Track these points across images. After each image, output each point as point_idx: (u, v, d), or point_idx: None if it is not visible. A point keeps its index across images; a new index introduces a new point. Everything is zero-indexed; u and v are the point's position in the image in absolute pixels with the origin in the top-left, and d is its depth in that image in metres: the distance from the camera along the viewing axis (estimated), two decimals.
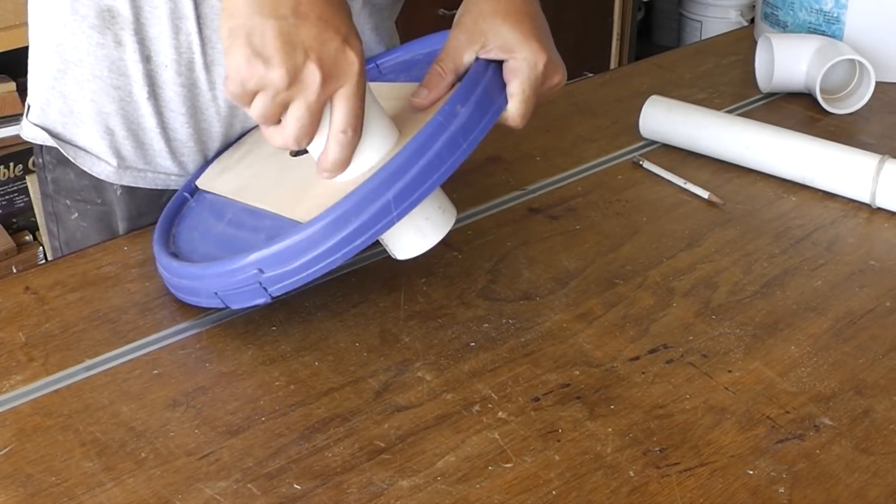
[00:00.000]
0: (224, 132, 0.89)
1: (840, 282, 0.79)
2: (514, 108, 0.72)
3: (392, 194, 0.64)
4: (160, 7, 0.82)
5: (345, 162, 0.67)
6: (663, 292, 0.78)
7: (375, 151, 0.69)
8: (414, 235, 0.72)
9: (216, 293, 0.70)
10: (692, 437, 0.64)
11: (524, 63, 0.71)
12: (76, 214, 0.93)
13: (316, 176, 0.69)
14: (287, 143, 0.65)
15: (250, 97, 0.63)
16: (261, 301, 0.68)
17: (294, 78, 0.62)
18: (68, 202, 0.93)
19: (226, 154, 0.89)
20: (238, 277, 0.68)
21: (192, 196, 0.85)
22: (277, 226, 0.71)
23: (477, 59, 0.72)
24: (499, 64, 0.72)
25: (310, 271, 0.66)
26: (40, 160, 0.94)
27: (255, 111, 0.64)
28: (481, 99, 0.69)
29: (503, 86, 0.72)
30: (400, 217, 0.65)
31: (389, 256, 0.73)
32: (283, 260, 0.66)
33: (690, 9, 3.01)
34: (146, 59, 0.84)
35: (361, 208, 0.64)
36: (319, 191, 0.70)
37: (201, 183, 0.86)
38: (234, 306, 0.70)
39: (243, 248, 0.69)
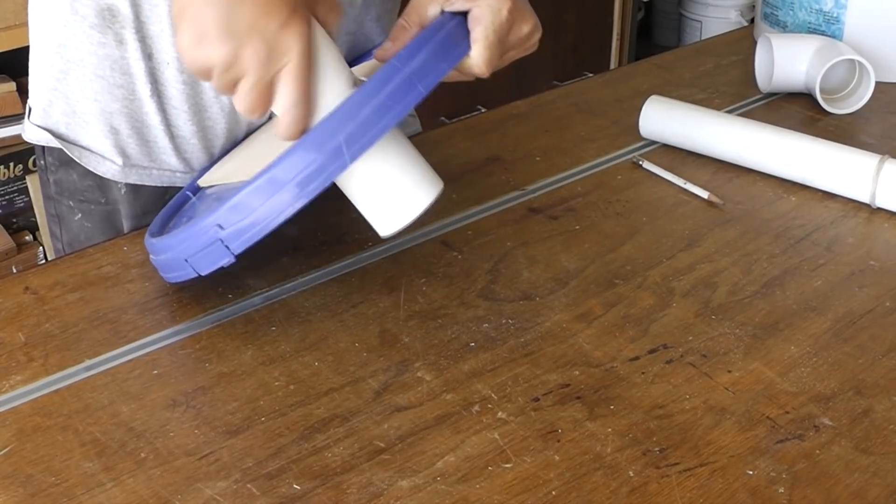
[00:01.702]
0: (229, 128, 0.89)
1: (840, 282, 0.79)
2: (477, 54, 0.71)
3: (343, 136, 0.64)
4: (160, 5, 0.82)
5: (298, 132, 0.67)
6: (663, 292, 0.78)
7: (335, 99, 0.68)
8: (393, 205, 0.70)
9: (186, 259, 0.70)
10: (692, 437, 0.64)
11: (487, 9, 0.71)
12: (80, 215, 0.93)
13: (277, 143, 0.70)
14: (244, 114, 0.67)
15: (203, 74, 0.65)
16: (225, 261, 0.68)
17: (234, 59, 0.63)
18: (71, 203, 0.93)
19: (229, 154, 0.90)
20: (201, 239, 0.68)
21: (194, 195, 0.85)
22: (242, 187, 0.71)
23: (442, 12, 0.72)
24: (464, 16, 0.72)
25: (266, 221, 0.65)
26: (42, 162, 0.94)
27: (213, 86, 0.66)
28: (441, 45, 0.69)
29: (467, 34, 0.72)
30: (353, 159, 0.64)
31: (389, 257, 0.73)
32: (239, 213, 0.66)
33: (690, 9, 3.01)
34: (148, 56, 0.84)
35: (312, 152, 0.64)
36: (279, 147, 0.70)
37: (203, 182, 0.86)
38: (203, 272, 0.70)
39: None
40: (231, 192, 0.70)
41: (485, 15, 0.71)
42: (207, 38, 0.63)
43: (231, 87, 0.66)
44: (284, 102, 0.66)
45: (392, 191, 0.70)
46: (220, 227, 0.67)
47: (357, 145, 0.64)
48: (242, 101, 0.66)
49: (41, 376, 0.70)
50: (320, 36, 0.67)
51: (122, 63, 0.84)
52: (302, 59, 0.65)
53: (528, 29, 0.74)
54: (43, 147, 0.92)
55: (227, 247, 0.67)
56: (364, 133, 0.64)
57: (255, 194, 0.65)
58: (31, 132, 0.92)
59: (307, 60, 0.65)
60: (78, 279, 0.80)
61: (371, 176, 0.69)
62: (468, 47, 0.71)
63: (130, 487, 0.61)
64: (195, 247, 0.69)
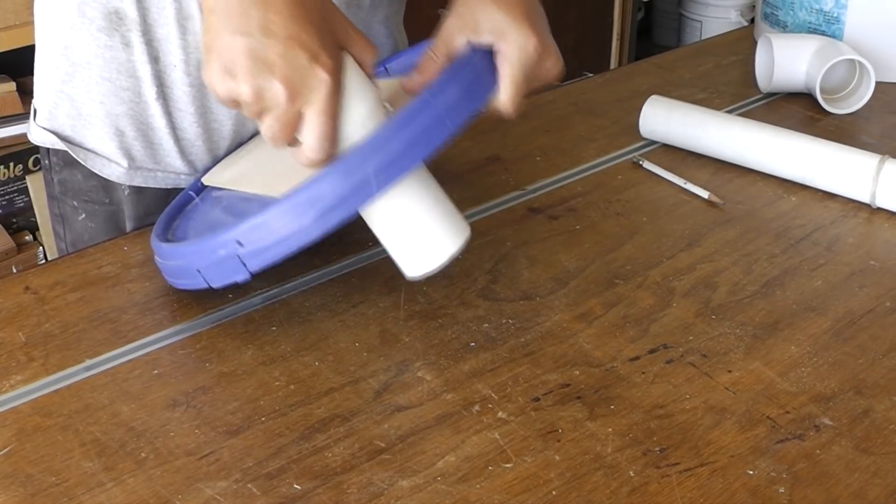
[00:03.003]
0: (235, 130, 0.89)
1: (840, 282, 0.79)
2: (504, 93, 0.72)
3: (372, 167, 0.64)
4: (167, 8, 0.82)
5: (321, 166, 0.67)
6: (663, 292, 0.78)
7: (362, 127, 0.68)
8: (418, 248, 0.70)
9: (198, 270, 0.70)
10: (692, 437, 0.64)
11: (515, 47, 0.71)
12: (84, 215, 0.93)
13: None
14: (270, 143, 0.67)
15: (232, 105, 0.66)
16: (239, 278, 0.68)
17: (259, 95, 0.63)
18: (75, 203, 0.93)
19: (234, 153, 0.90)
20: (218, 253, 0.67)
21: (197, 195, 0.85)
22: (264, 205, 0.70)
23: (469, 44, 0.72)
24: (491, 50, 0.72)
25: (287, 244, 0.65)
26: (46, 162, 0.95)
27: (241, 113, 0.67)
28: (470, 80, 0.69)
29: (494, 70, 0.72)
30: (379, 190, 0.64)
31: (389, 257, 0.73)
32: (261, 233, 0.66)
33: (690, 9, 3.01)
34: (154, 59, 0.84)
35: (341, 181, 0.64)
36: (307, 173, 0.69)
37: (206, 180, 0.86)
38: (215, 284, 0.69)
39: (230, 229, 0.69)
40: (246, 204, 0.70)
41: (512, 53, 0.71)
42: (236, 71, 0.63)
43: (259, 117, 0.65)
44: (310, 137, 0.65)
45: (418, 232, 0.70)
46: (240, 243, 0.66)
47: (385, 177, 0.64)
48: (268, 131, 0.65)
49: (41, 376, 0.70)
50: (351, 66, 0.67)
51: (129, 66, 0.85)
52: (329, 95, 0.64)
53: (551, 63, 0.74)
54: (48, 147, 0.92)
55: (244, 264, 0.67)
56: (393, 165, 0.64)
57: (278, 216, 0.65)
58: (36, 134, 0.92)
59: (334, 97, 0.65)
60: (78, 279, 0.80)
61: (397, 214, 0.69)
62: (494, 85, 0.71)
63: (131, 487, 0.61)
64: (210, 259, 0.68)
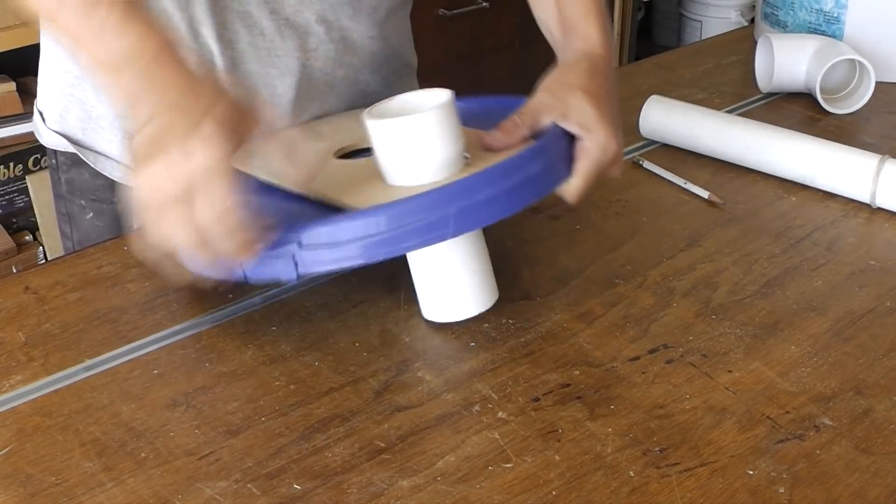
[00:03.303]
0: None
1: (840, 282, 0.79)
2: (575, 185, 0.74)
3: (455, 208, 0.64)
4: (175, 14, 0.83)
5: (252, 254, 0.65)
6: (663, 292, 0.78)
7: (445, 167, 0.70)
8: (447, 301, 0.72)
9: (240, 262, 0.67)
10: (692, 437, 0.64)
11: (597, 146, 0.73)
12: (91, 214, 0.94)
13: (368, 178, 0.71)
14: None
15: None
16: (285, 277, 0.66)
17: (158, 228, 0.63)
18: (83, 202, 0.94)
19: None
20: (273, 249, 0.65)
21: None
22: (321, 213, 0.70)
23: (554, 124, 0.73)
24: (572, 136, 0.74)
25: (347, 260, 0.65)
26: (53, 161, 0.95)
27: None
28: (553, 162, 0.71)
29: (571, 159, 0.73)
30: (455, 234, 0.65)
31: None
32: (327, 239, 0.65)
33: (690, 9, 3.01)
34: None
35: (420, 212, 0.64)
36: (375, 190, 0.70)
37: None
38: (254, 278, 0.67)
39: (277, 215, 0.68)
40: (303, 204, 0.69)
41: (593, 151, 0.73)
42: (142, 212, 0.62)
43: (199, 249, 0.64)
44: (225, 248, 0.64)
45: (451, 288, 0.72)
46: (300, 244, 0.65)
47: (464, 223, 0.65)
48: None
49: (41, 376, 0.70)
50: (448, 106, 0.68)
51: None
52: (217, 206, 0.61)
53: (617, 166, 0.76)
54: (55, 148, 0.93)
55: (296, 264, 0.65)
56: (475, 214, 0.65)
57: (348, 229, 0.64)
58: (46, 136, 0.93)
59: (221, 206, 0.62)
60: (78, 279, 0.80)
61: (441, 264, 0.71)
62: (569, 173, 0.73)
63: (131, 487, 0.61)
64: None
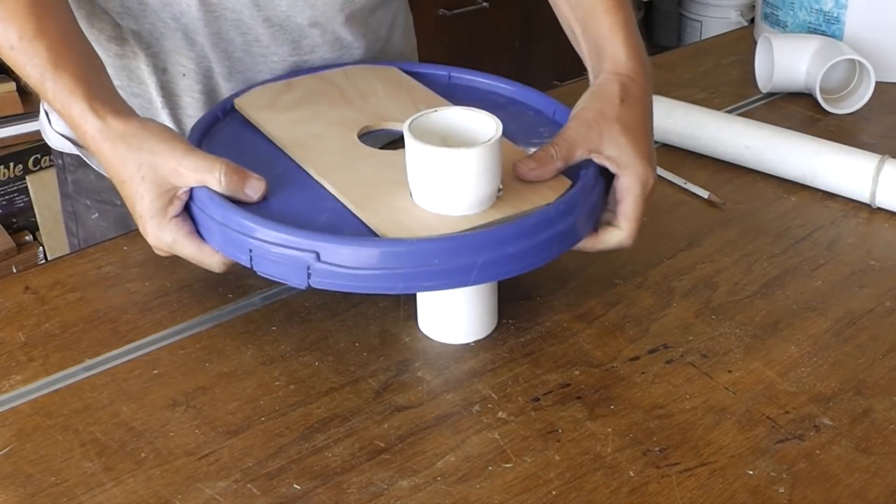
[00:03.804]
0: None
1: (840, 282, 0.79)
2: (629, 229, 0.72)
3: (482, 259, 0.64)
4: (170, 24, 0.83)
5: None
6: (663, 292, 0.78)
7: (479, 204, 0.68)
8: (447, 324, 0.72)
9: (250, 251, 0.66)
10: (692, 437, 0.64)
11: (636, 180, 0.71)
12: (96, 214, 0.94)
13: (394, 184, 0.69)
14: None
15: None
16: (294, 284, 0.65)
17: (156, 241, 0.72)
18: (88, 202, 0.94)
19: (271, 87, 0.84)
20: (288, 250, 0.64)
21: (224, 117, 0.81)
22: (342, 218, 0.68)
23: (590, 166, 0.71)
24: (608, 176, 0.72)
25: (365, 285, 0.64)
26: (60, 161, 0.96)
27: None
28: (589, 210, 0.70)
29: (601, 207, 0.72)
30: (475, 283, 0.65)
31: None
32: (346, 261, 0.64)
33: (690, 9, 3.01)
34: (163, 70, 0.86)
35: (448, 255, 0.63)
36: (401, 206, 0.68)
37: (242, 104, 0.81)
38: (262, 272, 0.66)
39: (295, 216, 0.67)
40: (322, 211, 0.69)
41: (634, 187, 0.71)
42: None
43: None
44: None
45: (456, 314, 0.71)
46: (318, 256, 0.64)
47: (488, 273, 0.65)
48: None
49: (41, 376, 0.70)
50: (495, 142, 0.66)
51: (139, 73, 0.87)
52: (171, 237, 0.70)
53: (652, 195, 0.73)
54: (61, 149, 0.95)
55: (309, 275, 0.64)
56: (500, 266, 0.64)
57: (369, 256, 0.63)
58: (53, 139, 0.95)
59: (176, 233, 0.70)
60: (78, 279, 0.80)
61: (447, 294, 0.71)
62: (594, 225, 0.72)
63: (130, 487, 0.61)
64: (273, 251, 0.65)
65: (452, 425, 0.65)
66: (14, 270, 1.83)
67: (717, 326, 0.74)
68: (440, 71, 0.90)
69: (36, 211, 1.96)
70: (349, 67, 0.88)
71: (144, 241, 0.84)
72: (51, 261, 0.85)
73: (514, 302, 0.76)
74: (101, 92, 0.71)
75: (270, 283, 0.79)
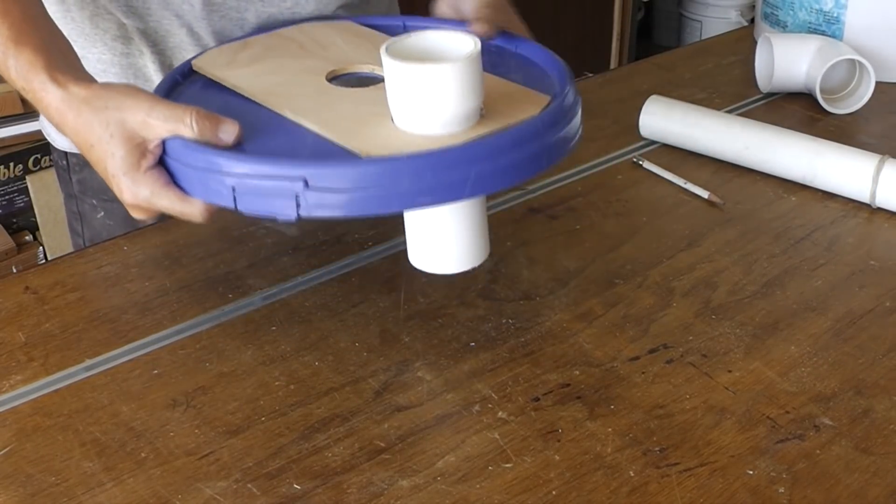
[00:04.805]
0: None
1: (840, 282, 0.79)
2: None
3: (475, 171, 0.61)
4: (175, 21, 0.84)
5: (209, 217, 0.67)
6: (663, 292, 0.78)
7: (463, 121, 0.65)
8: (437, 254, 0.70)
9: (233, 188, 0.62)
10: (692, 437, 0.64)
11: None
12: (102, 213, 0.95)
13: (375, 116, 0.67)
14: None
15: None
16: (283, 215, 0.61)
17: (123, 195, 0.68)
18: (94, 202, 0.95)
19: (228, 46, 0.81)
20: (273, 182, 0.61)
21: (183, 79, 0.77)
22: (326, 150, 0.65)
23: (569, 77, 0.72)
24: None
25: (359, 207, 0.61)
26: (64, 162, 0.97)
27: None
28: (571, 128, 0.68)
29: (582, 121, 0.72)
30: (470, 197, 0.62)
31: (389, 256, 0.73)
32: (337, 183, 0.60)
33: (690, 9, 3.01)
34: (169, 67, 0.87)
35: (442, 169, 0.61)
36: (385, 132, 0.66)
37: (201, 64, 0.78)
38: (248, 210, 0.62)
39: (277, 152, 0.65)
40: (254, 112, 0.65)
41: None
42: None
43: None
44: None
45: (443, 240, 0.69)
46: (306, 183, 0.60)
47: (482, 185, 0.62)
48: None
49: (41, 376, 0.70)
50: (475, 56, 0.64)
51: (146, 71, 0.87)
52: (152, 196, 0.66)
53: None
54: (66, 150, 0.95)
55: (298, 205, 0.61)
56: (494, 177, 0.62)
57: (361, 176, 0.60)
58: (58, 139, 0.95)
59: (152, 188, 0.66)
60: (78, 279, 0.80)
61: (435, 216, 0.68)
62: (574, 144, 0.70)
63: (130, 487, 0.61)
64: (257, 185, 0.62)
65: (452, 425, 0.65)
66: (14, 270, 1.84)
67: (717, 326, 0.74)
68: (395, 21, 0.87)
69: (36, 211, 1.96)
70: (304, 24, 0.85)
71: (144, 241, 0.84)
72: (51, 261, 0.85)
73: (514, 302, 0.76)
74: (62, 63, 0.68)
75: (270, 283, 0.79)
